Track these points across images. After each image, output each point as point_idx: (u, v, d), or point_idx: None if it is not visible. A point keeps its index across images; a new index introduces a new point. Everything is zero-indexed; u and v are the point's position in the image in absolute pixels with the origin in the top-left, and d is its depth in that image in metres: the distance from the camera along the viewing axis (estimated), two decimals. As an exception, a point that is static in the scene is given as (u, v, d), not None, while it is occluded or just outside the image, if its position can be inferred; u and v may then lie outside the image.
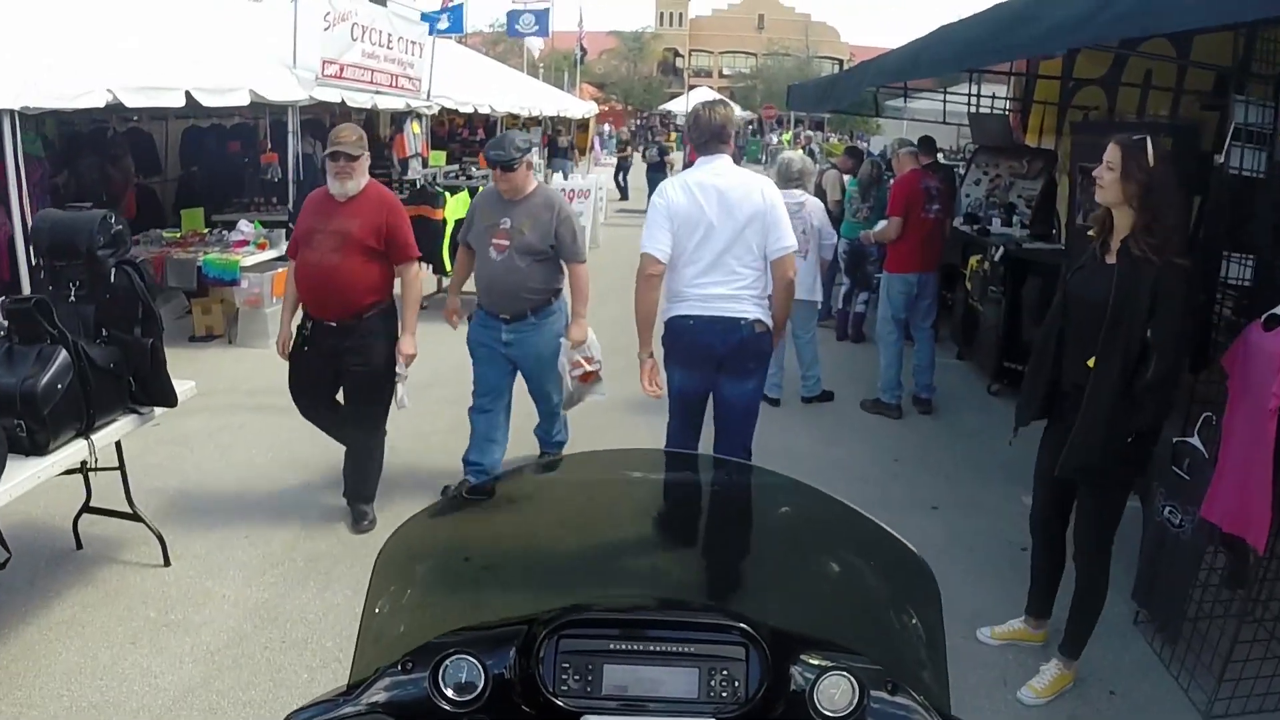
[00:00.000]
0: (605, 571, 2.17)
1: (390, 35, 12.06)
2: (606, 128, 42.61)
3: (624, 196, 25.85)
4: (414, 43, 12.82)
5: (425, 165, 13.98)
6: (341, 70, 10.94)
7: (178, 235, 10.67)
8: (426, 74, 13.45)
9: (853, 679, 1.67)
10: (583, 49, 45.24)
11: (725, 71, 77.40)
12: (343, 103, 11.15)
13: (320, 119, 17.47)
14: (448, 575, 2.21)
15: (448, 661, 1.68)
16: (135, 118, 14.97)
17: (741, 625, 1.69)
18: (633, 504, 2.42)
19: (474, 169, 14.43)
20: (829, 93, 11.53)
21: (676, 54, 78.38)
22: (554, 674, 1.66)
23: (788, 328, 6.35)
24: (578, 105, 28.00)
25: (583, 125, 29.19)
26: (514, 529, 2.32)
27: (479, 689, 1.67)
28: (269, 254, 10.16)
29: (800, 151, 8.22)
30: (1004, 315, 8.44)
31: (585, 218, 16.95)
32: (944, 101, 15.99)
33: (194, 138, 14.48)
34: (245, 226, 10.38)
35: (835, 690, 1.66)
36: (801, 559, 2.23)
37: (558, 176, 18.24)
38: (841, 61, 62.19)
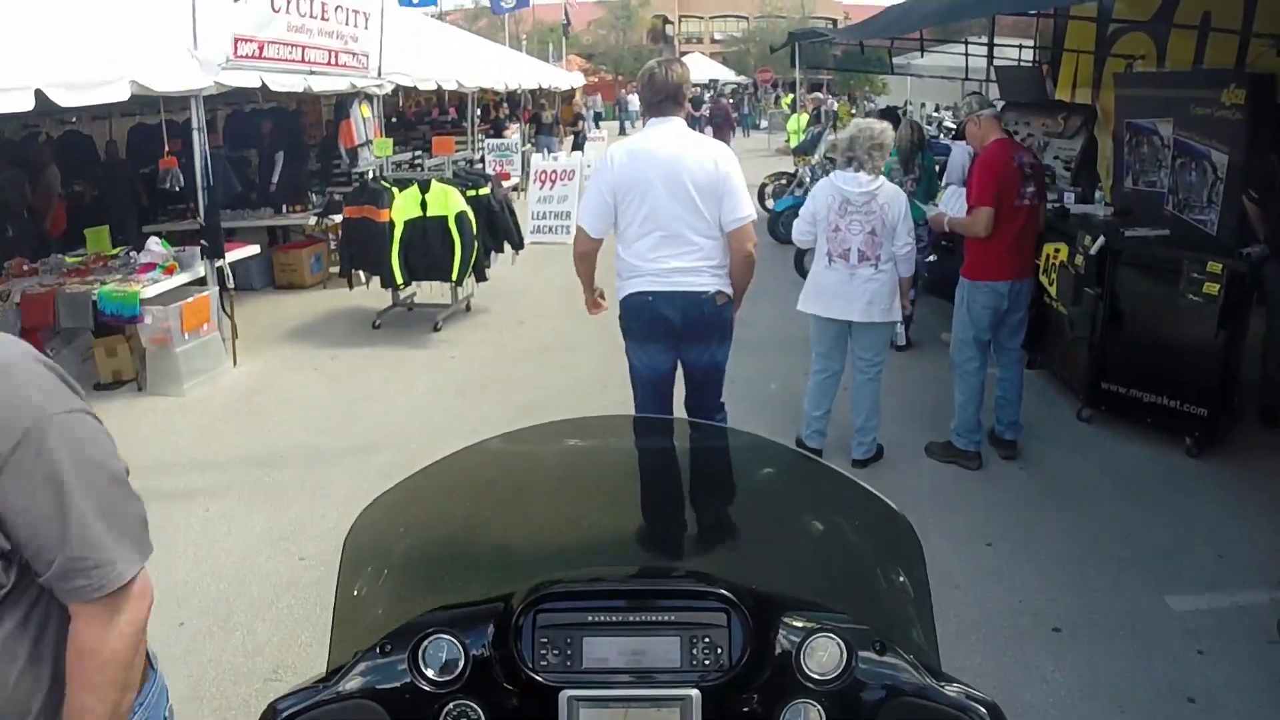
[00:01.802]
0: (582, 542, 2.15)
1: (325, 4, 10.11)
2: (596, 98, 40.70)
3: None
4: (357, 11, 10.84)
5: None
6: (261, 49, 8.99)
7: (80, 260, 8.99)
8: (375, 47, 11.49)
9: (840, 640, 1.64)
10: (568, 18, 43.57)
11: (717, 36, 76.07)
12: (264, 87, 9.21)
13: (285, 106, 15.82)
14: (422, 553, 2.15)
15: (427, 642, 1.65)
16: (73, 119, 13.56)
17: (721, 591, 1.67)
18: (607, 472, 2.35)
19: (429, 157, 12.53)
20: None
21: (666, 20, 74.66)
22: (533, 650, 1.64)
23: (846, 366, 6.13)
24: (563, 77, 26.01)
25: (568, 98, 27.22)
26: (486, 503, 2.27)
27: (459, 669, 1.64)
28: (178, 279, 8.34)
29: (871, 121, 6.20)
30: (1103, 323, 6.53)
31: (571, 201, 15.10)
32: (965, 55, 14.42)
33: (141, 138, 13.06)
34: (155, 245, 8.55)
35: (823, 652, 1.64)
36: (782, 521, 2.20)
37: (537, 156, 16.24)
38: (835, 21, 60.80)
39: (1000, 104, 10.93)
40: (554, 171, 15.45)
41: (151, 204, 11.96)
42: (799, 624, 1.69)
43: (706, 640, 1.65)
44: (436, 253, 9.15)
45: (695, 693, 1.60)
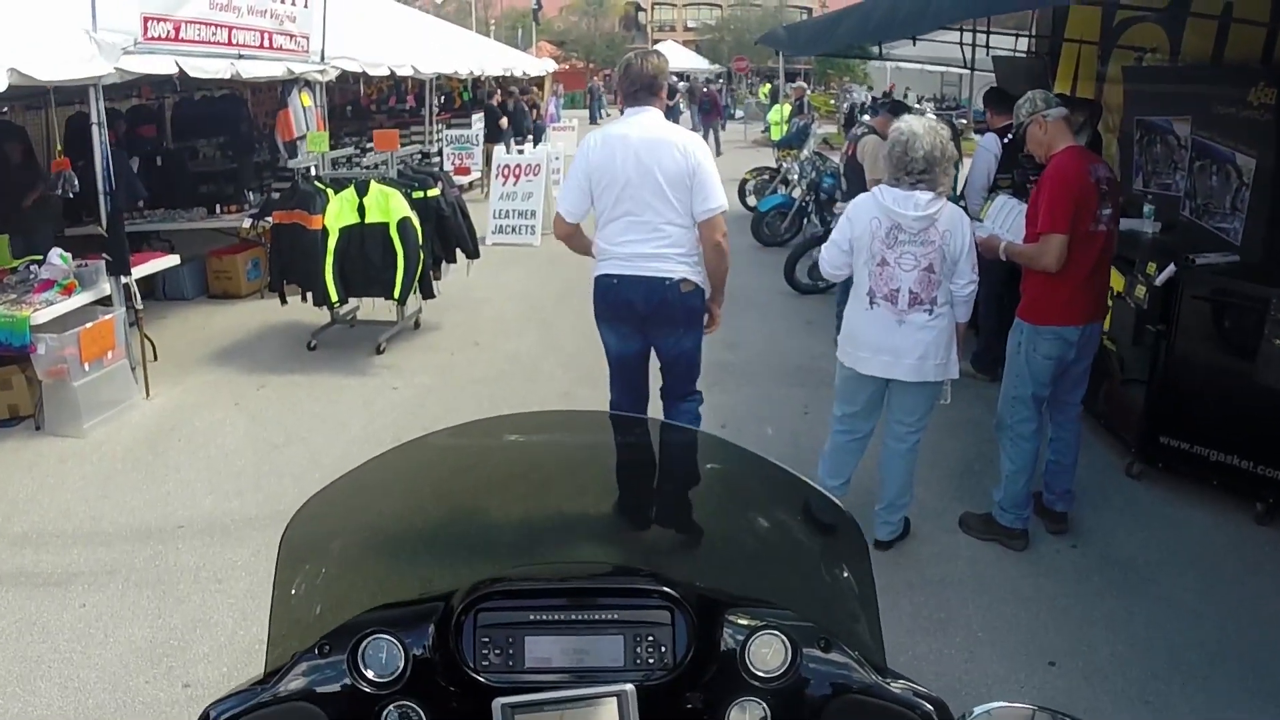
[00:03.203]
0: (524, 540, 2.11)
1: (256, -21, 8.95)
2: (559, 87, 39.57)
3: None
4: (293, -11, 9.69)
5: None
6: (177, 30, 7.82)
7: None
8: (317, 29, 10.32)
9: (784, 637, 1.63)
10: (539, 3, 42.67)
11: (690, 24, 75.57)
12: (181, 73, 8.03)
13: (239, 94, 14.61)
14: (361, 551, 2.08)
15: (366, 643, 1.63)
16: (3, 109, 12.41)
17: (664, 589, 1.66)
18: (550, 468, 2.24)
19: (368, 153, 11.35)
20: (830, 32, 10.12)
21: (639, 8, 76.70)
22: (474, 650, 1.62)
23: (881, 433, 5.11)
24: (532, 63, 24.80)
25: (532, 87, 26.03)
26: (427, 498, 2.18)
27: (400, 670, 1.62)
28: (77, 299, 7.16)
29: (929, 120, 4.91)
30: (1164, 367, 5.48)
31: (537, 199, 13.97)
32: (963, 45, 13.64)
33: (81, 128, 11.49)
34: (55, 259, 7.34)
35: (767, 650, 1.63)
36: (727, 518, 2.18)
37: (499, 150, 15.08)
38: (810, 10, 61.43)
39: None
40: (518, 166, 14.38)
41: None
42: (743, 621, 1.67)
43: (650, 638, 1.63)
44: (376, 265, 7.94)
45: (630, 687, 1.53)
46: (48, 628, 4.55)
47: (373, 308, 9.08)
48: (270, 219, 8.58)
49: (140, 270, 7.94)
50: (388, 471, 2.06)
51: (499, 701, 1.54)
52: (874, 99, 30.23)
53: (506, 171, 14.11)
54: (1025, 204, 5.11)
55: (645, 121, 4.77)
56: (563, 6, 67.26)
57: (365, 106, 19.36)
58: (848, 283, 8.68)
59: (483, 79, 20.24)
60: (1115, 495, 5.71)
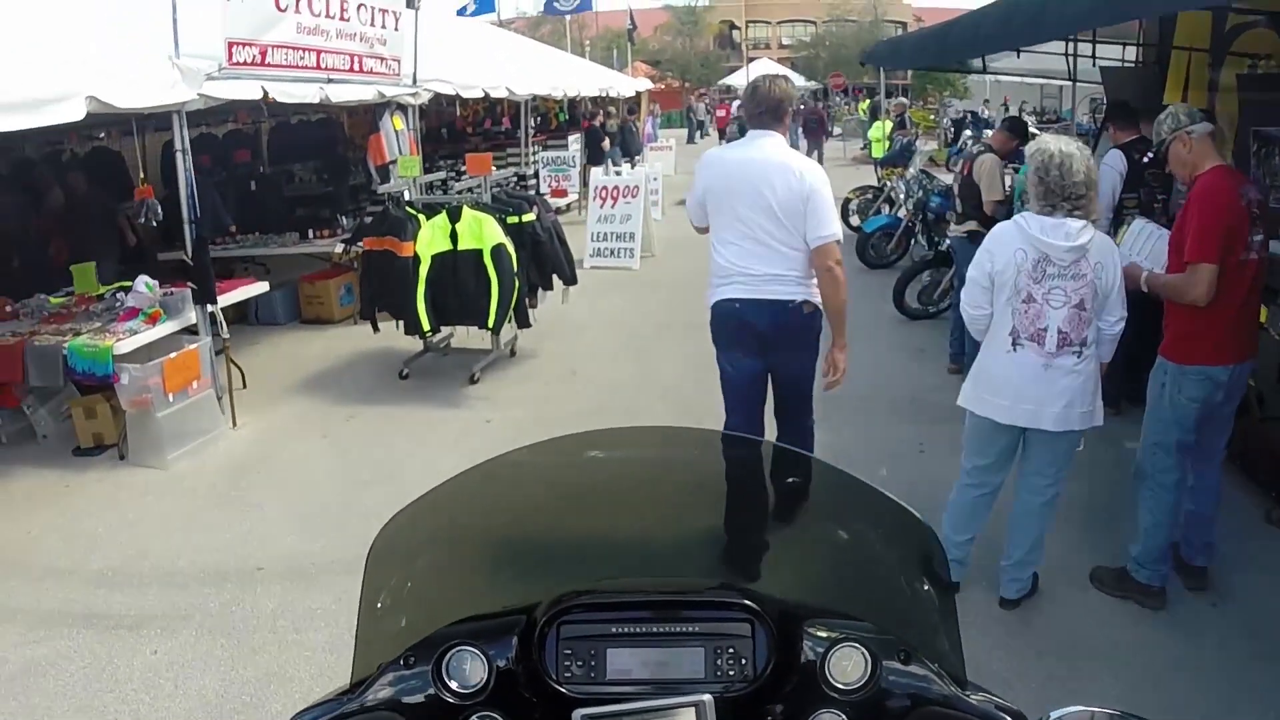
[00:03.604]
0: (606, 553, 2.09)
1: (345, 2, 8.71)
2: (655, 106, 39.41)
3: None
4: (384, 11, 9.43)
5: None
6: (263, 54, 7.60)
7: (63, 302, 7.77)
8: (409, 52, 10.09)
9: (864, 649, 1.63)
10: (633, 23, 42.48)
11: (785, 41, 74.28)
12: (267, 97, 7.81)
13: (335, 118, 14.49)
14: (446, 564, 2.09)
15: (450, 654, 1.65)
16: (101, 134, 12.55)
17: (745, 601, 1.68)
18: (631, 483, 2.23)
19: (459, 178, 11.11)
20: (937, 45, 9.66)
21: (733, 26, 75.81)
22: (557, 661, 1.63)
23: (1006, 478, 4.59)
24: (626, 83, 24.53)
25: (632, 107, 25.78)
26: (511, 513, 2.17)
27: (483, 681, 1.64)
28: (162, 329, 6.96)
29: (1071, 142, 4.32)
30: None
31: (635, 221, 13.60)
32: (1068, 55, 12.99)
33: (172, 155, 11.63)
34: (141, 286, 7.18)
35: (847, 662, 1.62)
36: (805, 530, 2.14)
37: (597, 171, 14.77)
38: (904, 24, 60.62)
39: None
40: (615, 188, 14.03)
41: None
42: (823, 633, 1.66)
43: (731, 650, 1.63)
44: (469, 293, 7.61)
45: (707, 697, 1.55)
46: (117, 675, 4.33)
47: (466, 335, 8.79)
48: (361, 244, 8.29)
49: (227, 298, 7.75)
50: (472, 487, 2.06)
51: (580, 713, 1.54)
52: (972, 114, 29.53)
53: (604, 193, 13.77)
54: (1166, 229, 4.59)
55: (766, 145, 4.74)
56: (657, 26, 66.71)
57: (460, 129, 19.20)
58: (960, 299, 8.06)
59: (579, 99, 19.98)
60: (1254, 545, 5.12)
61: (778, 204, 4.62)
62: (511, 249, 7.62)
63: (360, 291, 8.61)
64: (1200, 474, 4.63)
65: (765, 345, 4.83)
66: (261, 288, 8.46)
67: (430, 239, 7.60)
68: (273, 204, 12.76)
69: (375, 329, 8.34)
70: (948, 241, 9.00)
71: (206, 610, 4.85)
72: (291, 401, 8.00)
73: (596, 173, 14.59)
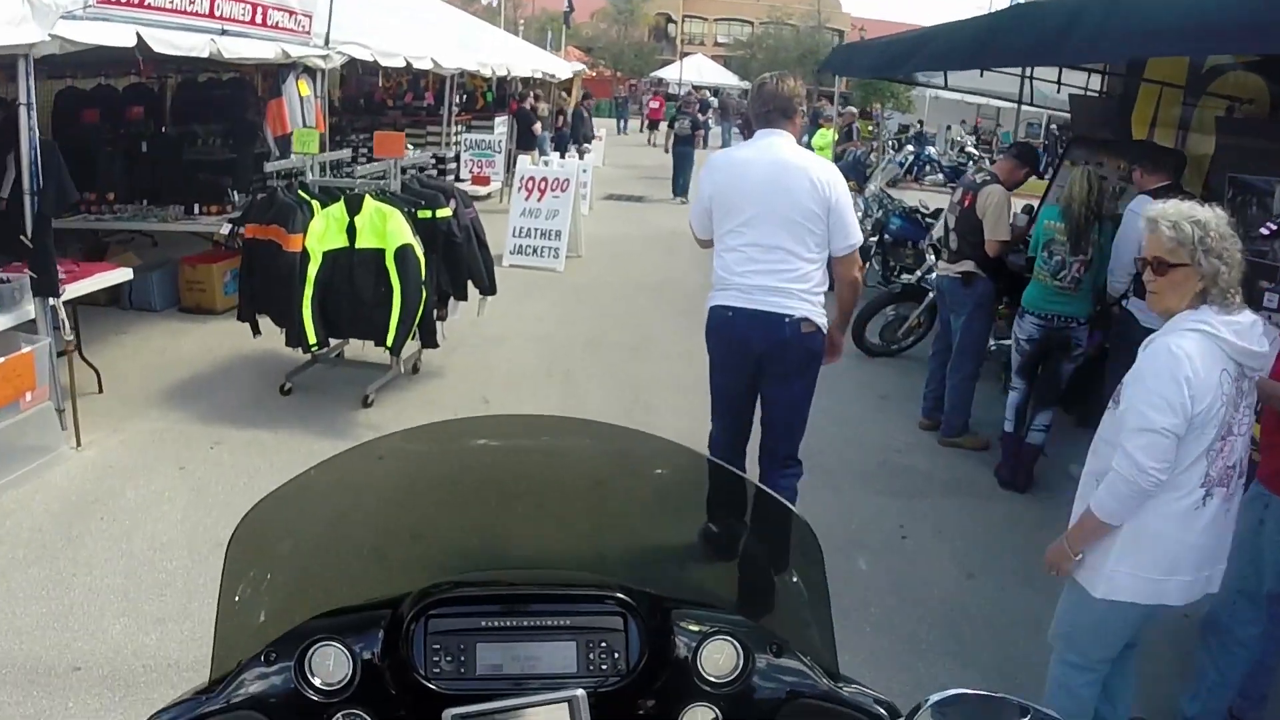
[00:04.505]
0: (476, 545, 2.08)
1: (248, -57, 7.43)
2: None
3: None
4: (296, -41, 8.18)
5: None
6: (141, -7, 6.33)
7: None
8: (322, 9, 8.84)
9: (736, 642, 1.64)
10: (570, 5, 41.51)
11: (720, 39, 74.30)
12: (143, 46, 6.50)
13: (249, 78, 13.07)
14: (308, 557, 2.04)
15: (313, 650, 1.60)
16: None
17: (618, 594, 1.67)
18: (501, 473, 2.21)
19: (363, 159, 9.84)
20: (911, 55, 8.91)
21: (669, 19, 75.47)
22: (424, 657, 1.60)
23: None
24: (561, 65, 23.31)
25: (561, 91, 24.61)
26: (376, 504, 2.14)
27: (348, 677, 1.60)
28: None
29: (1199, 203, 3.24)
30: None
31: (562, 218, 12.39)
32: (1025, 78, 12.54)
33: (71, 104, 10.67)
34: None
35: (719, 655, 1.64)
36: (679, 524, 2.15)
37: (525, 159, 13.52)
38: (842, 32, 61.54)
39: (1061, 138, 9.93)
40: (543, 180, 12.79)
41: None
42: (695, 627, 1.67)
43: (603, 644, 1.62)
44: (366, 302, 6.33)
45: (580, 692, 1.53)
46: None
47: (363, 346, 7.46)
48: (243, 230, 6.96)
49: (79, 287, 6.44)
50: (334, 476, 1.98)
51: (450, 712, 1.51)
52: (917, 130, 28.78)
53: (531, 185, 12.51)
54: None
55: (779, 145, 4.46)
56: (594, 12, 66.01)
57: (380, 101, 17.78)
58: (942, 347, 6.94)
59: (509, 79, 18.68)
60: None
61: (794, 210, 4.36)
62: (420, 252, 6.37)
63: (239, 287, 7.25)
64: (1273, 619, 3.65)
65: (757, 360, 4.55)
66: (124, 274, 7.09)
67: (323, 232, 6.31)
68: (166, 170, 11.25)
69: (256, 332, 7.05)
70: (930, 276, 7.94)
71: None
72: (151, 414, 6.70)
73: (524, 161, 13.34)
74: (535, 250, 12.29)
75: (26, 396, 5.72)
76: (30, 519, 5.24)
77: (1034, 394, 6.28)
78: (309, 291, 6.31)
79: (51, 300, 5.94)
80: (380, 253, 6.30)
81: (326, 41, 9.07)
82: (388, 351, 6.81)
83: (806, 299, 4.46)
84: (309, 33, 8.70)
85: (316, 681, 1.57)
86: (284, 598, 1.87)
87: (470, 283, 7.30)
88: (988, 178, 6.69)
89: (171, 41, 6.81)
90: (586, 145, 19.27)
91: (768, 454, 4.77)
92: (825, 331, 4.56)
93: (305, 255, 6.35)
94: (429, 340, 6.98)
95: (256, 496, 2.69)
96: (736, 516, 2.13)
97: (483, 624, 1.62)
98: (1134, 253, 5.76)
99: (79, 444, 6.12)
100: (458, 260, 6.95)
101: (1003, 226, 6.46)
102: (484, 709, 1.51)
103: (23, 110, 5.76)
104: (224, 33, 7.38)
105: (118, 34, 6.30)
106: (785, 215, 4.37)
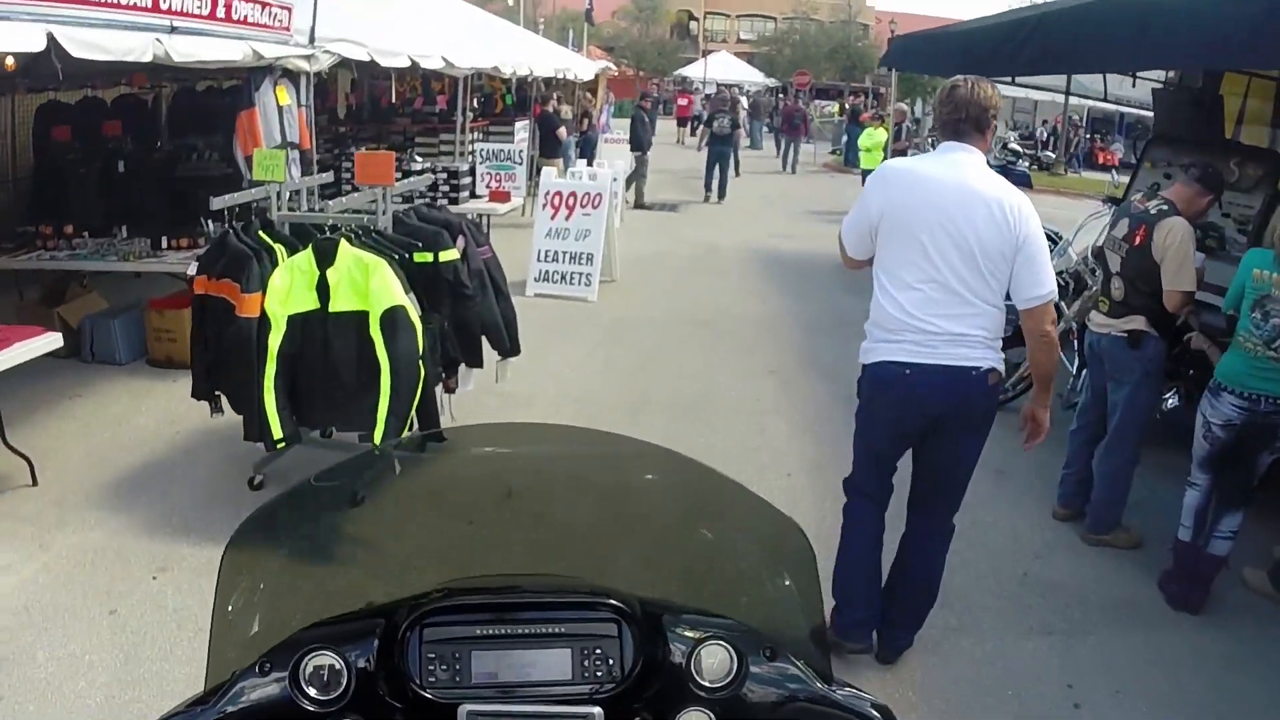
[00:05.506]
0: (469, 553, 2.08)
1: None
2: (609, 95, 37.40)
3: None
4: (268, -60, 6.69)
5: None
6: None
7: None
8: (306, 2, 7.35)
9: (730, 647, 1.65)
10: (591, 4, 40.72)
11: (744, 35, 73.80)
12: (54, 47, 5.02)
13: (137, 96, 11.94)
14: (302, 567, 2.06)
15: (307, 659, 1.60)
16: None
17: (611, 601, 1.68)
18: (495, 482, 2.19)
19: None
20: (1021, 48, 8.05)
21: (691, 16, 75.13)
22: (420, 665, 1.61)
23: None
24: (585, 65, 21.89)
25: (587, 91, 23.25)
26: (370, 514, 2.14)
27: (343, 686, 1.59)
28: None
29: None
30: None
31: (595, 239, 10.85)
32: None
33: (49, 117, 10.07)
34: None
35: (713, 659, 1.64)
36: (672, 529, 2.16)
37: (549, 171, 11.97)
38: (867, 26, 62.22)
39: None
40: (571, 194, 11.22)
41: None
42: (689, 632, 1.68)
43: (598, 651, 1.63)
44: (345, 384, 4.76)
45: (598, 710, 1.56)
46: None
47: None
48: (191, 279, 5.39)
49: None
50: (333, 485, 2.01)
51: (465, 708, 1.54)
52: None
53: (557, 200, 10.93)
54: None
55: (967, 166, 3.86)
56: (614, 11, 65.48)
57: (393, 106, 16.25)
58: (1092, 419, 5.72)
59: (530, 80, 17.17)
60: None
61: (980, 246, 3.80)
62: (416, 317, 4.73)
63: (192, 356, 5.61)
64: None
65: (930, 420, 4.00)
66: (51, 342, 5.56)
67: (287, 290, 4.69)
68: (145, 193, 9.80)
69: (215, 410, 5.53)
70: (1085, 331, 6.29)
71: None
72: (89, 520, 5.28)
73: (549, 173, 11.79)
74: (564, 277, 10.74)
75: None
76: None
77: (1219, 492, 4.81)
78: (271, 369, 4.71)
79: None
80: (362, 317, 4.69)
81: (311, 39, 7.59)
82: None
83: (991, 346, 3.95)
84: (288, 29, 7.25)
85: (311, 691, 1.56)
86: (277, 608, 1.85)
87: (486, 340, 5.74)
88: (1164, 207, 5.11)
89: (98, 44, 5.40)
90: (640, 153, 17.85)
91: (924, 509, 4.21)
92: (1004, 380, 4.20)
93: (265, 321, 4.77)
94: (430, 424, 5.25)
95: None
96: (730, 522, 2.13)
97: (477, 632, 1.63)
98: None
99: (-12, 562, 4.72)
100: (467, 320, 5.34)
101: (1188, 272, 4.92)
102: (501, 710, 1.54)
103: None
104: (173, 30, 5.94)
105: (20, 37, 4.87)
106: (968, 250, 3.80)
